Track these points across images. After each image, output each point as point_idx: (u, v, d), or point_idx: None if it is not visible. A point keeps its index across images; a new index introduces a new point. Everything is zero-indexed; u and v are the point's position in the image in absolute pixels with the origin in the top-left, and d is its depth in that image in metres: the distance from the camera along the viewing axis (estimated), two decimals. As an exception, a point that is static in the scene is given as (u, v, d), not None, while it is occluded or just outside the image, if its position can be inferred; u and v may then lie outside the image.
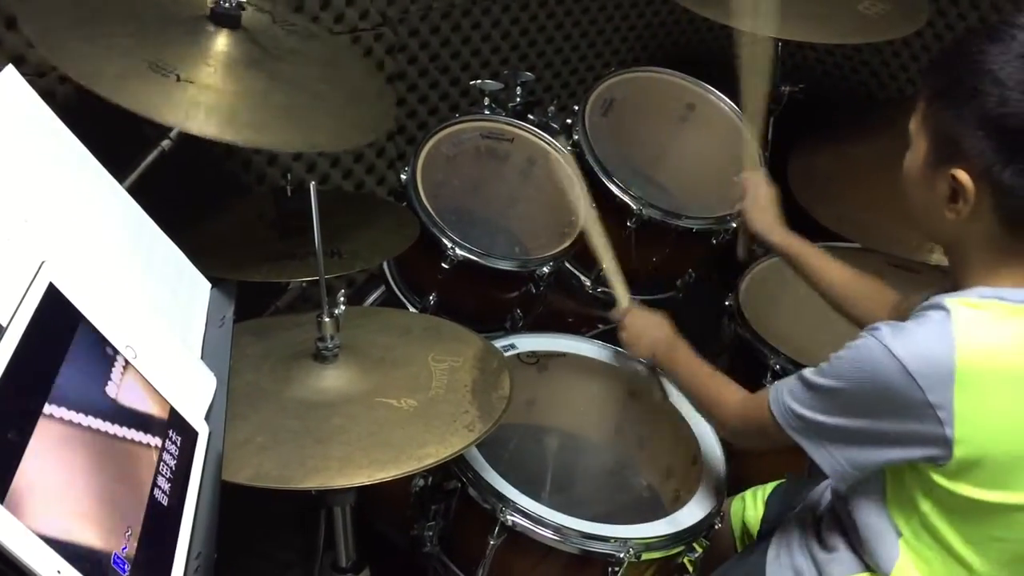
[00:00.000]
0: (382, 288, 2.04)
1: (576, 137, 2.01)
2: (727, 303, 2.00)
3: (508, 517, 1.40)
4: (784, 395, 1.22)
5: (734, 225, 2.06)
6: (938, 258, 2.00)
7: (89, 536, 0.70)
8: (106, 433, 0.78)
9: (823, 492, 1.40)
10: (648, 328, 1.64)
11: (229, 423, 1.11)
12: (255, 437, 1.16)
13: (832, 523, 1.29)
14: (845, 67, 2.87)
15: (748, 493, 1.63)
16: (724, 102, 2.22)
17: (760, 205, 1.73)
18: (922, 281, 1.98)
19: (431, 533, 1.54)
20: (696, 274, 2.18)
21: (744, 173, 1.80)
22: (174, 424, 0.91)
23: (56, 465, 0.71)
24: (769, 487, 1.61)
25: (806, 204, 2.13)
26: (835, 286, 1.59)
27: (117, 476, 0.77)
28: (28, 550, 0.64)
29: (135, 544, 0.74)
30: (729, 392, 1.41)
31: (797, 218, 2.13)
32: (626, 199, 1.96)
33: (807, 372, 1.21)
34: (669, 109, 2.24)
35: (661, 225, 1.99)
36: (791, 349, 1.86)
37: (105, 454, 0.77)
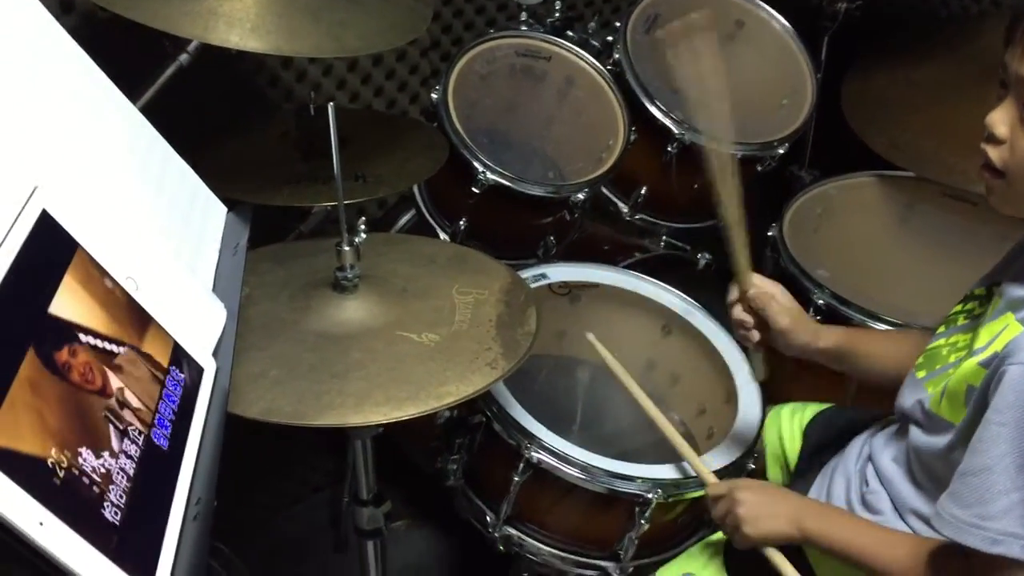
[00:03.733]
0: (412, 212, 1.98)
1: (616, 56, 1.91)
2: (770, 233, 1.91)
3: (533, 454, 1.36)
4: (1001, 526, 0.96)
5: (780, 151, 1.96)
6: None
7: (72, 484, 0.66)
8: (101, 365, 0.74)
9: (864, 443, 1.33)
10: (774, 495, 1.27)
11: (243, 354, 1.07)
12: (269, 370, 1.11)
13: (877, 483, 1.23)
14: (906, -18, 2.70)
15: (785, 414, 1.56)
16: (775, 18, 2.11)
17: (788, 315, 1.37)
18: (980, 214, 1.88)
19: (455, 466, 1.51)
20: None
21: (741, 286, 1.40)
22: (177, 360, 0.87)
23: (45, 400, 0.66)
24: (808, 412, 1.54)
25: (858, 129, 2.03)
26: (893, 364, 1.31)
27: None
28: (9, 502, 0.60)
29: (125, 493, 0.70)
30: (902, 546, 1.12)
31: (848, 144, 2.03)
32: (667, 123, 1.87)
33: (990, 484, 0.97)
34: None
35: (703, 150, 1.90)
36: (837, 284, 1.77)
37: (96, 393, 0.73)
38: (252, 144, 1.57)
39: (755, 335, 1.39)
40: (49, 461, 0.65)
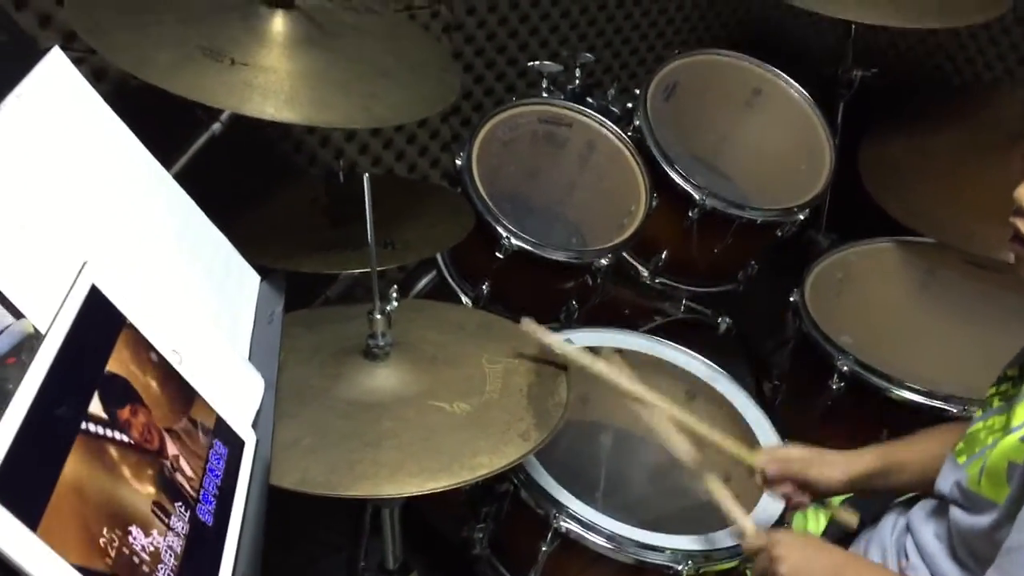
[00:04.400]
0: (433, 273, 1.99)
1: (637, 122, 1.93)
2: (791, 298, 1.91)
3: (562, 523, 1.35)
4: None
5: (801, 217, 1.97)
6: (1019, 256, 1.91)
7: (123, 568, 0.65)
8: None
9: (899, 515, 1.31)
10: (816, 551, 1.23)
11: (275, 421, 1.07)
12: (302, 438, 1.11)
13: (917, 559, 1.21)
14: (919, 50, 2.74)
15: (811, 509, 1.55)
16: (792, 86, 2.13)
17: (812, 464, 1.33)
18: (1003, 281, 1.88)
19: (481, 535, 1.50)
20: (758, 266, 2.10)
21: (755, 469, 1.37)
22: (220, 433, 0.87)
23: (95, 486, 0.66)
24: (834, 502, 1.53)
25: (877, 196, 2.04)
26: (932, 465, 1.27)
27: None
28: (62, 583, 0.60)
29: (174, 572, 0.69)
30: None
31: (866, 209, 2.05)
32: (688, 188, 1.88)
33: None
34: (734, 94, 2.15)
35: (724, 216, 1.92)
36: (860, 350, 1.77)
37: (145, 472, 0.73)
38: (281, 211, 1.59)
39: (803, 500, 1.36)
40: (101, 541, 0.64)
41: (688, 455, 1.36)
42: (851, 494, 1.43)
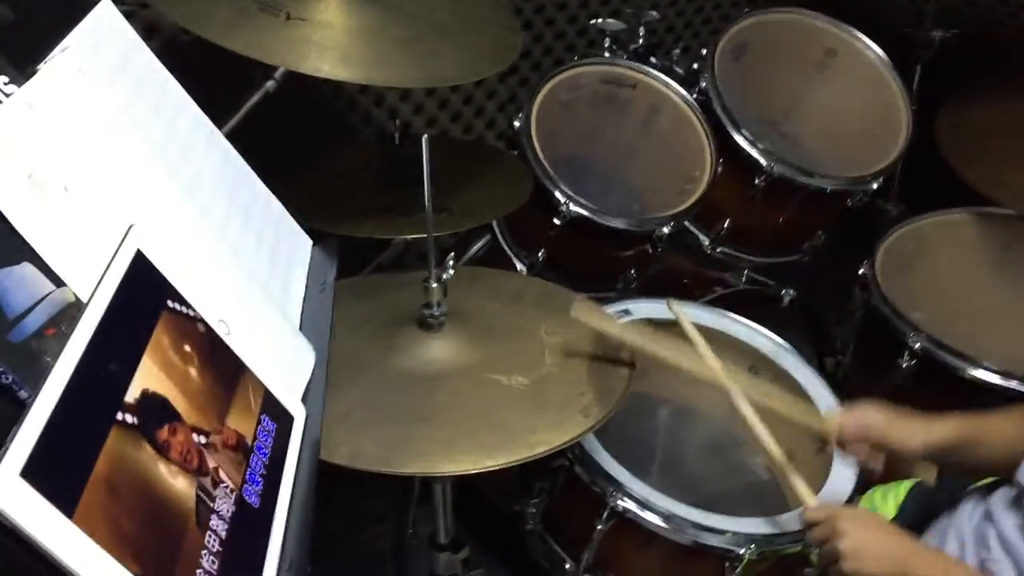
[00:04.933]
0: (487, 238, 1.94)
1: (704, 84, 1.85)
2: (861, 271, 1.82)
3: (619, 503, 1.30)
4: None
5: (874, 186, 1.88)
6: (1109, 230, 1.80)
7: (162, 556, 0.62)
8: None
9: (977, 503, 1.24)
10: (881, 532, 1.15)
11: (327, 396, 1.03)
12: (355, 411, 1.08)
13: (1000, 551, 1.14)
14: (1000, 10, 2.59)
15: (879, 491, 1.48)
16: (868, 47, 2.03)
17: (893, 427, 1.24)
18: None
19: (534, 511, 1.46)
20: (826, 236, 2.02)
21: (830, 434, 1.28)
22: (268, 408, 0.83)
23: (130, 478, 0.62)
24: (903, 488, 1.46)
25: (956, 164, 1.93)
26: (1015, 445, 1.19)
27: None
28: (101, 573, 0.56)
29: (218, 559, 0.66)
30: None
31: (941, 178, 1.94)
32: (755, 154, 1.81)
33: None
34: (806, 54, 2.06)
35: (792, 183, 1.84)
36: (932, 327, 1.68)
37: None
38: (334, 173, 1.54)
39: (879, 462, 1.27)
40: (140, 526, 0.60)
41: (762, 431, 1.28)
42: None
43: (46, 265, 0.69)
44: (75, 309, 0.69)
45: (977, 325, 1.82)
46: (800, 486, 1.24)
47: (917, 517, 1.36)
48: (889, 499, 1.44)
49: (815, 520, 1.18)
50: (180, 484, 0.66)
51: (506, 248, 1.84)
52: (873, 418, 1.25)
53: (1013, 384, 1.59)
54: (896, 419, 1.24)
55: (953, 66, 2.12)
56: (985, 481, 1.27)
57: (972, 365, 1.62)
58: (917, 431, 1.23)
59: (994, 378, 1.60)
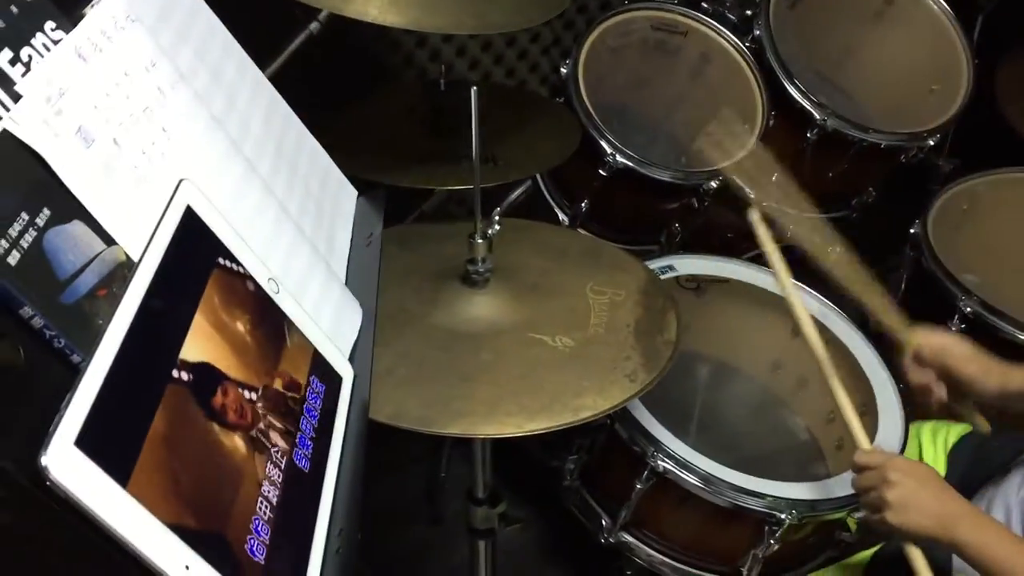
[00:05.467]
0: (528, 183, 1.90)
1: (757, 32, 1.79)
2: (912, 230, 1.77)
3: (659, 463, 1.29)
4: None
5: (931, 143, 1.82)
6: None
7: (216, 522, 0.61)
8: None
9: (1022, 481, 1.22)
10: (933, 488, 1.11)
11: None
12: (397, 368, 1.06)
13: None
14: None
15: (926, 433, 1.44)
16: (929, -5, 1.95)
17: (972, 361, 1.21)
18: None
19: (573, 467, 1.45)
20: (875, 193, 1.96)
21: (908, 347, 1.25)
22: (317, 368, 0.81)
23: (186, 438, 0.61)
24: (954, 433, 1.43)
25: (1014, 120, 1.87)
26: None
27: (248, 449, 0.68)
28: (155, 543, 0.55)
29: (270, 525, 0.65)
30: None
31: (998, 134, 1.88)
32: (808, 107, 1.75)
33: None
34: (864, 4, 1.98)
35: (845, 138, 1.78)
36: (985, 291, 1.64)
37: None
38: (377, 119, 1.51)
39: (942, 393, 1.23)
40: (193, 494, 0.60)
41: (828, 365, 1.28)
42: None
43: (97, 223, 0.67)
44: (126, 269, 0.68)
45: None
46: (856, 426, 1.21)
47: (967, 471, 1.33)
48: (938, 441, 1.42)
49: (867, 464, 1.15)
50: (235, 444, 0.65)
51: (548, 197, 1.81)
52: (957, 347, 1.22)
53: (1067, 353, 1.55)
54: (976, 355, 1.21)
55: (1017, 18, 2.04)
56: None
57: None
58: (995, 372, 1.20)
59: (1046, 345, 1.57)
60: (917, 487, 1.10)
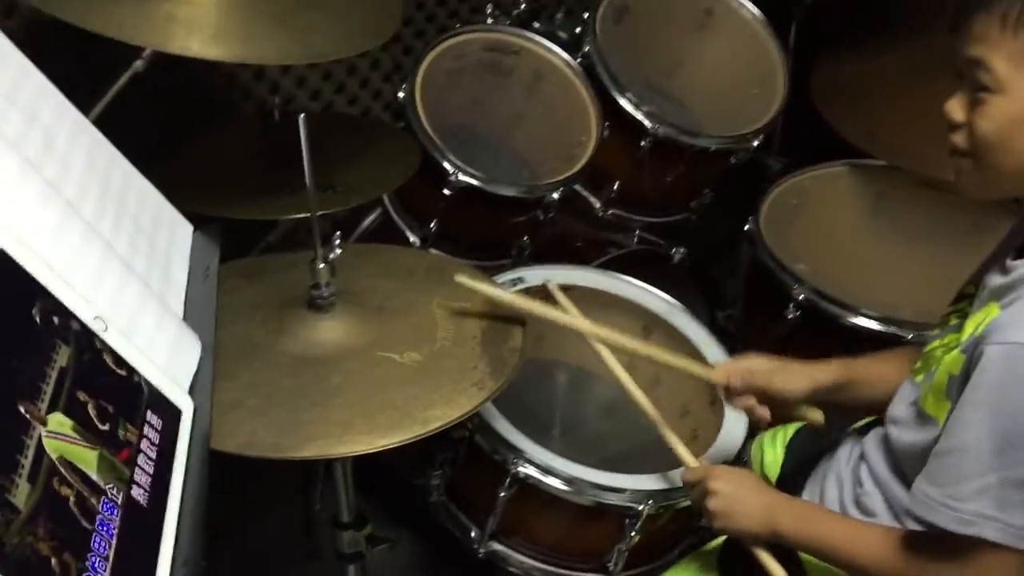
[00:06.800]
0: (378, 212, 1.92)
1: (587, 48, 1.86)
2: (746, 226, 1.87)
3: (520, 469, 1.32)
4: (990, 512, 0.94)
5: (755, 144, 1.94)
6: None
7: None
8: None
9: (854, 444, 1.30)
10: (748, 490, 1.19)
11: (216, 382, 1.01)
12: (246, 399, 1.06)
13: (871, 484, 1.20)
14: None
15: (768, 435, 1.53)
16: (744, 6, 2.07)
17: (776, 375, 1.28)
18: (955, 202, 1.86)
19: (438, 482, 1.47)
20: (712, 194, 2.06)
21: (717, 384, 1.33)
22: (153, 404, 0.81)
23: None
24: (791, 429, 1.52)
25: (830, 119, 1.99)
26: (893, 382, 1.23)
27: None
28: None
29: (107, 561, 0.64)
30: (874, 536, 1.10)
31: (819, 133, 2.01)
32: (640, 116, 1.83)
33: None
34: (685, 15, 2.08)
35: (677, 144, 1.87)
36: (815, 278, 1.75)
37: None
38: (213, 153, 1.50)
39: (765, 412, 1.30)
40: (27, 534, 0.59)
41: (635, 389, 1.34)
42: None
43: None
44: (-66, 317, 0.66)
45: (857, 274, 1.90)
46: (679, 447, 1.28)
47: (802, 457, 1.41)
48: (777, 440, 1.50)
49: (692, 481, 1.22)
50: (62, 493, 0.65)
51: (398, 221, 1.83)
52: (757, 367, 1.29)
53: (892, 329, 1.67)
54: (779, 367, 1.29)
55: (826, 24, 2.18)
56: (860, 423, 1.34)
57: (853, 313, 1.69)
58: (801, 375, 1.28)
59: (874, 324, 1.67)
60: (735, 491, 1.17)
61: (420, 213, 1.77)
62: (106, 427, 0.72)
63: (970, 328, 1.05)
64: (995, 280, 1.07)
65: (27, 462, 0.63)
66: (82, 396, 0.71)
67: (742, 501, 1.16)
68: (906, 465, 1.15)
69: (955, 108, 1.02)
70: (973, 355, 0.98)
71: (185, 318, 0.98)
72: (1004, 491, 0.93)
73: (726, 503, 1.16)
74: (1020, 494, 0.93)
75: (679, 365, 1.35)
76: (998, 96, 0.97)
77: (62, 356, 0.71)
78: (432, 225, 1.74)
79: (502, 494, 1.35)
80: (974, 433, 0.95)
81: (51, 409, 0.67)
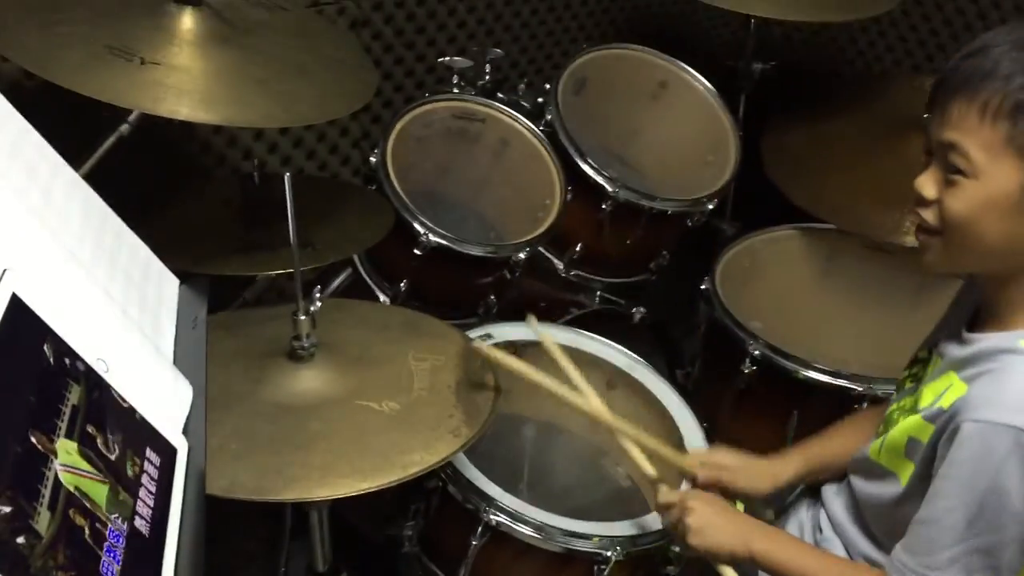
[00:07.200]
0: (348, 271, 1.97)
1: (549, 116, 1.95)
2: (703, 287, 1.96)
3: (491, 517, 1.36)
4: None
5: (710, 207, 2.03)
6: (913, 240, 2.00)
7: None
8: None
9: (808, 504, 1.37)
10: (725, 510, 1.27)
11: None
12: (229, 444, 1.10)
13: (830, 531, 1.27)
14: (813, 42, 2.84)
15: None
16: (697, 79, 2.19)
17: (743, 474, 1.37)
18: (900, 264, 1.96)
19: (411, 533, 1.50)
20: (670, 256, 2.15)
21: (688, 473, 1.40)
22: (151, 441, 0.85)
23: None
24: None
25: (780, 184, 2.10)
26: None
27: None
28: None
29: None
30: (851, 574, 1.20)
31: (769, 197, 2.11)
32: (601, 181, 1.92)
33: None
34: (641, 87, 2.19)
35: (636, 207, 1.95)
36: (770, 335, 1.83)
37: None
38: (194, 213, 1.56)
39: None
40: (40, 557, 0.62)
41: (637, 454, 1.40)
42: None
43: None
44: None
45: (809, 331, 1.98)
46: (654, 474, 1.36)
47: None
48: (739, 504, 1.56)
49: (668, 502, 1.29)
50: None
51: (368, 280, 1.88)
52: (727, 463, 1.37)
53: (841, 382, 1.74)
54: (745, 466, 1.37)
55: (773, 95, 2.31)
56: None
57: (805, 367, 1.77)
58: (765, 476, 1.36)
59: (825, 378, 1.75)
60: (713, 511, 1.25)
61: (391, 272, 1.83)
62: (114, 460, 0.76)
63: (929, 396, 1.11)
64: (952, 351, 1.12)
65: (47, 491, 0.66)
66: (91, 430, 0.75)
67: (720, 520, 1.23)
68: (867, 513, 1.22)
69: (926, 185, 1.05)
70: (947, 428, 1.03)
71: (175, 364, 1.02)
72: (970, 558, 1.00)
73: (704, 519, 1.22)
74: (984, 561, 1.00)
75: (656, 449, 1.41)
76: (971, 180, 1.00)
77: (74, 394, 0.75)
78: (402, 284, 1.80)
79: (474, 542, 1.39)
80: (949, 505, 1.01)
81: (65, 442, 0.71)
